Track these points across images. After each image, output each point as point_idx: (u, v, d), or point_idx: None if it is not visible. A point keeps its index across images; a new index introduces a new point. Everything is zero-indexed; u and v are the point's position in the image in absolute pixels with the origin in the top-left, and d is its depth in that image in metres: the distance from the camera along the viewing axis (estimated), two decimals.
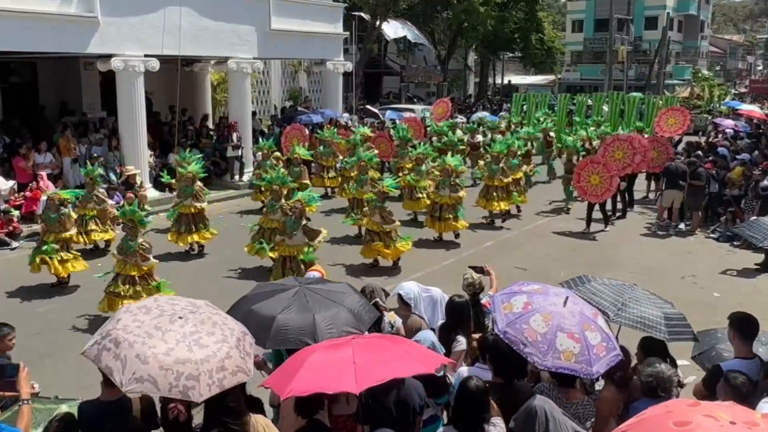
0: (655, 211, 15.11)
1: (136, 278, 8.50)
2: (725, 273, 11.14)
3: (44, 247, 9.59)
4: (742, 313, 4.82)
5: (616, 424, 4.01)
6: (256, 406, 4.05)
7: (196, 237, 11.54)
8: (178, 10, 15.12)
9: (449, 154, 15.54)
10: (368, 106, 29.76)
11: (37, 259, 9.59)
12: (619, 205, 15.15)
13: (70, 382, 5.74)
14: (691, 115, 33.94)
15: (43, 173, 13.84)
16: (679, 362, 5.14)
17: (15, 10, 12.71)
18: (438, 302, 6.03)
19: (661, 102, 20.31)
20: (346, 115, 23.81)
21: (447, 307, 5.41)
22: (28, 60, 16.64)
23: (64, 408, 4.23)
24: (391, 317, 5.39)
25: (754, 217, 11.95)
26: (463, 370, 4.69)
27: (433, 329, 5.58)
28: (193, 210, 11.46)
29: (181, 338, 3.45)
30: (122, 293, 8.33)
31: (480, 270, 6.14)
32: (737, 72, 78.00)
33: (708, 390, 4.47)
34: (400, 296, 5.72)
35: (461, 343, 5.13)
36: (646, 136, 17.07)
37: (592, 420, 4.07)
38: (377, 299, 5.39)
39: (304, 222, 9.58)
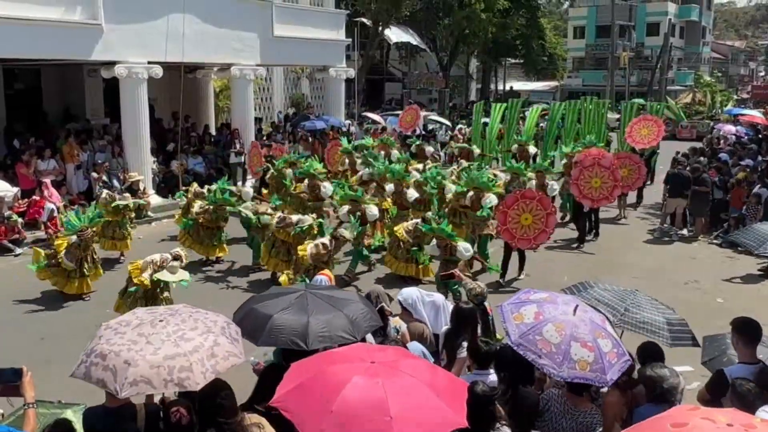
0: (658, 217, 15.10)
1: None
2: (729, 278, 11.12)
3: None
4: (745, 318, 4.80)
5: (620, 428, 4.02)
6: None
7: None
8: (181, 17, 15.19)
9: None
10: (366, 114, 29.78)
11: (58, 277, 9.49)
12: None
13: (74, 387, 5.74)
14: (694, 121, 34.20)
15: (47, 180, 13.88)
16: (681, 368, 5.14)
17: (19, 18, 12.79)
18: (441, 308, 6.02)
19: (651, 105, 19.56)
20: (347, 122, 23.83)
21: (453, 313, 5.37)
22: (33, 66, 16.73)
23: (68, 413, 4.25)
24: (395, 322, 5.44)
25: (759, 223, 11.90)
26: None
27: (436, 335, 5.59)
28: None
29: (166, 338, 3.54)
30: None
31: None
32: (739, 78, 78.07)
33: (711, 395, 4.46)
34: (400, 302, 5.76)
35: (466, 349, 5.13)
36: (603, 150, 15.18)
37: (600, 429, 4.06)
38: (383, 304, 5.41)
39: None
